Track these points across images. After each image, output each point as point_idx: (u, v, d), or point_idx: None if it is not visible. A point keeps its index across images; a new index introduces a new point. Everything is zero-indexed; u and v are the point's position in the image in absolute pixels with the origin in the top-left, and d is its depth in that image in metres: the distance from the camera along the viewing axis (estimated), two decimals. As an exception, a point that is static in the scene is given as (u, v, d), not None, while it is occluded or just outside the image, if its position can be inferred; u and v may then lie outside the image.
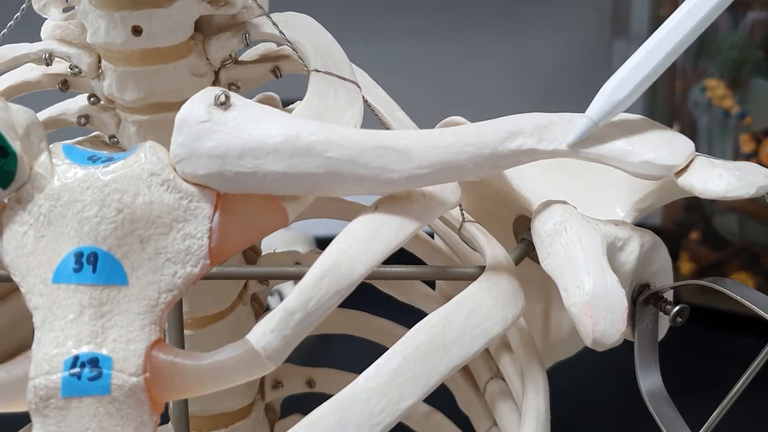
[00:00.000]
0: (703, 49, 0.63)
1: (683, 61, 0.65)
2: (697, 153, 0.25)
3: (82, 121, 0.29)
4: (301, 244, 0.61)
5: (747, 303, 0.24)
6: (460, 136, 0.23)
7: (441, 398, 0.37)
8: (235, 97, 0.22)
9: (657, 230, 0.71)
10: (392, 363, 0.22)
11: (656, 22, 0.71)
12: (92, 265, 0.21)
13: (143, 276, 0.21)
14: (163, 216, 0.21)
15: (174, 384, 0.21)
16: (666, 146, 0.24)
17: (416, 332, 0.22)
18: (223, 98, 0.21)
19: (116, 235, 0.21)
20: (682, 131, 0.68)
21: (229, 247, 0.22)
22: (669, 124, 0.67)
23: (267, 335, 0.21)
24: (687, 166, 0.24)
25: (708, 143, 0.64)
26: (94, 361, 0.21)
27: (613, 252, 0.25)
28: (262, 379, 0.35)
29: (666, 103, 0.69)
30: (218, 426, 0.33)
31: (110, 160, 0.22)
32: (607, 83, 0.26)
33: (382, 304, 0.36)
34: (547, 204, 0.25)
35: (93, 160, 0.22)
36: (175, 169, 0.22)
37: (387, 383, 0.21)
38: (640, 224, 0.27)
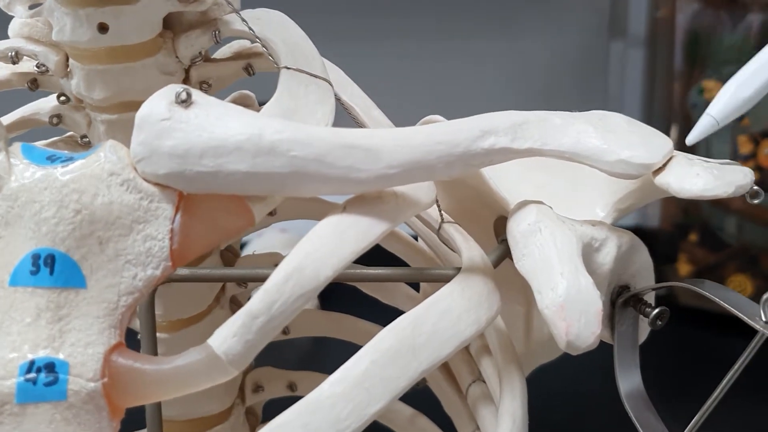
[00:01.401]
0: (700, 50, 0.62)
1: (681, 62, 0.64)
2: (676, 151, 0.24)
3: (54, 120, 0.29)
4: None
5: (725, 305, 0.23)
6: (431, 135, 0.22)
7: (426, 401, 0.37)
8: (197, 94, 0.21)
9: (655, 232, 0.70)
10: (359, 367, 0.21)
11: (654, 23, 0.70)
12: (49, 267, 0.20)
13: (102, 278, 0.21)
14: (123, 217, 0.21)
15: (134, 389, 0.20)
16: (643, 144, 0.23)
17: (385, 335, 0.22)
18: (184, 95, 0.21)
19: (74, 237, 0.21)
20: (680, 133, 0.67)
21: (192, 249, 0.22)
22: (667, 126, 0.66)
23: (228, 339, 0.20)
24: (665, 165, 0.24)
25: (706, 145, 0.64)
26: (50, 366, 0.20)
27: (589, 253, 0.24)
28: (242, 382, 0.35)
29: (664, 104, 0.69)
30: (196, 430, 0.32)
31: (70, 159, 0.21)
32: (731, 81, 0.24)
33: (369, 305, 0.36)
34: (523, 204, 0.25)
35: (52, 159, 0.21)
36: (135, 169, 0.21)
37: (353, 388, 0.21)
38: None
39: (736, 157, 0.62)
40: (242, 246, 0.61)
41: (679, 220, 0.66)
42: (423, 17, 0.75)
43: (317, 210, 0.32)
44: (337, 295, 0.38)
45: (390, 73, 0.72)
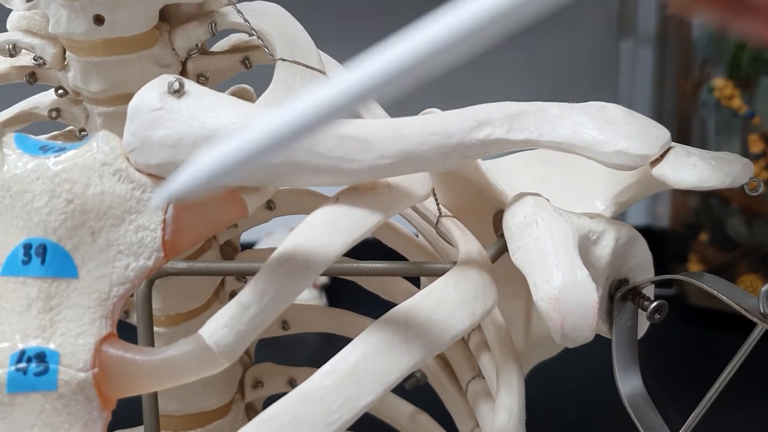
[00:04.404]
0: (711, 48, 0.62)
1: (691, 60, 0.63)
2: (674, 142, 0.24)
3: (53, 114, 0.29)
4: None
5: (724, 298, 0.23)
6: (425, 126, 0.22)
7: (427, 398, 0.36)
8: (189, 84, 0.21)
9: (665, 232, 0.69)
10: (350, 359, 0.21)
11: (664, 22, 0.70)
12: (41, 257, 0.20)
13: (94, 269, 0.21)
14: (115, 207, 0.21)
15: (124, 380, 0.20)
16: (640, 135, 0.23)
17: (377, 327, 0.22)
18: (176, 86, 0.21)
19: (66, 227, 0.21)
20: (690, 132, 0.67)
21: (185, 239, 0.21)
22: (676, 125, 0.66)
23: (220, 330, 0.20)
24: (663, 156, 0.23)
25: (716, 144, 0.63)
26: (41, 356, 0.20)
27: (587, 245, 0.24)
28: (242, 378, 0.35)
29: (673, 103, 0.68)
30: (194, 426, 0.32)
31: (62, 150, 0.21)
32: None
33: (377, 302, 0.36)
34: (519, 196, 0.24)
35: (45, 149, 0.21)
36: (128, 159, 0.21)
37: (343, 380, 0.21)
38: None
39: (747, 156, 0.62)
40: (251, 245, 0.61)
41: (690, 219, 0.66)
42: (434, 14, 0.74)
43: (317, 204, 0.32)
44: (346, 293, 0.38)
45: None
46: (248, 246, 0.52)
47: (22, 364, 0.20)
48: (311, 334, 0.37)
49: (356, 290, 0.35)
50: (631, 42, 0.76)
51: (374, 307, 0.36)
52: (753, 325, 0.23)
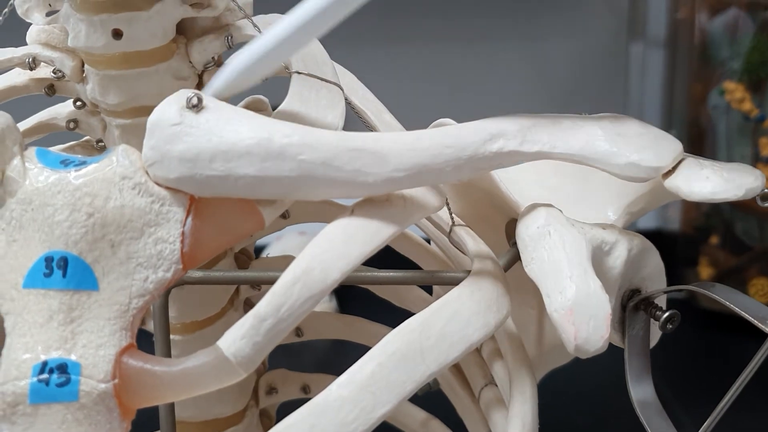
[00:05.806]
0: (721, 51, 0.62)
1: (701, 63, 0.63)
2: (686, 153, 0.24)
3: (71, 125, 0.29)
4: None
5: (735, 308, 0.23)
6: (439, 138, 0.22)
7: (439, 405, 0.37)
8: (208, 99, 0.21)
9: (675, 235, 0.69)
10: (366, 370, 0.21)
11: (674, 25, 0.70)
12: (62, 269, 0.21)
13: (114, 281, 0.21)
14: (135, 220, 0.21)
15: (144, 390, 0.21)
16: (652, 147, 0.23)
17: (392, 338, 0.22)
18: (195, 100, 0.21)
19: (87, 240, 0.21)
20: (701, 135, 0.67)
21: (203, 251, 0.22)
22: (687, 128, 0.66)
23: (237, 342, 0.20)
24: (675, 168, 0.24)
25: (727, 147, 0.63)
26: (62, 367, 0.20)
27: (599, 256, 0.24)
28: (256, 384, 0.35)
29: (684, 106, 0.68)
30: (210, 432, 0.33)
31: (83, 164, 0.22)
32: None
33: (388, 309, 0.36)
34: (532, 207, 0.25)
35: (65, 164, 0.22)
36: (147, 173, 0.21)
37: (360, 391, 0.21)
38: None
39: (758, 159, 0.62)
40: (262, 248, 0.61)
41: (700, 222, 0.66)
42: (444, 20, 0.75)
43: (331, 213, 0.33)
44: (356, 299, 0.38)
45: (409, 76, 0.72)
46: (258, 249, 0.53)
47: (44, 375, 0.20)
48: (320, 339, 0.37)
49: (366, 295, 0.35)
50: (641, 45, 0.76)
51: (384, 312, 0.36)
52: (763, 335, 0.23)
